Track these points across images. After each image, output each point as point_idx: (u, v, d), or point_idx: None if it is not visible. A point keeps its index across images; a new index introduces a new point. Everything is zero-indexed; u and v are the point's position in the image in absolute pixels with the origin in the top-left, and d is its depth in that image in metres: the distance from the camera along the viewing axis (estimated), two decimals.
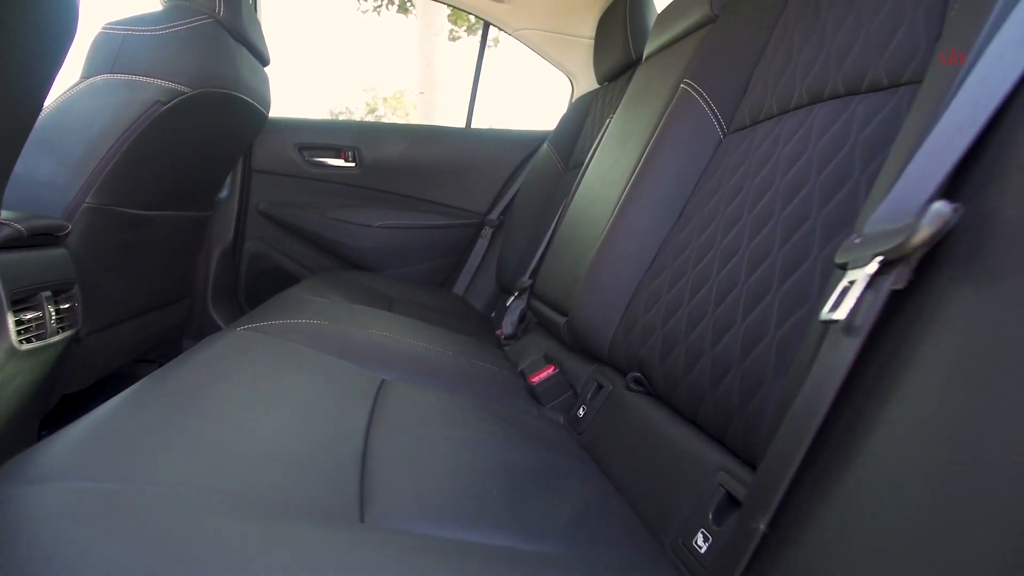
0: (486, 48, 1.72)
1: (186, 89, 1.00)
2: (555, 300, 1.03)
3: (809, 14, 0.72)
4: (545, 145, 1.63)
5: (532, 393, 0.88)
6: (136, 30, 0.97)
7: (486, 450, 0.61)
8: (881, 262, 0.32)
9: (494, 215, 1.72)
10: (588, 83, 1.65)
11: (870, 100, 0.57)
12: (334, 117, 11.76)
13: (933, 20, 0.52)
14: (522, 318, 1.17)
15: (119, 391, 0.53)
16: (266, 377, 0.64)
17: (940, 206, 0.29)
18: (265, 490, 0.42)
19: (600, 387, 0.82)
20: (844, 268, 0.36)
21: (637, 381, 0.75)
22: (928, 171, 0.33)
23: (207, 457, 0.44)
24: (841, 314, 0.32)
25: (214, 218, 1.56)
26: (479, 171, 1.75)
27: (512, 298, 1.22)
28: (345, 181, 1.69)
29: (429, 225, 1.71)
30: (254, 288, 1.67)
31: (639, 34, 1.30)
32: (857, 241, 0.36)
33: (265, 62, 1.32)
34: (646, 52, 1.17)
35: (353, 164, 1.69)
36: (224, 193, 1.58)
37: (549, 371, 0.89)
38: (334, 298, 1.18)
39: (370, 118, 11.69)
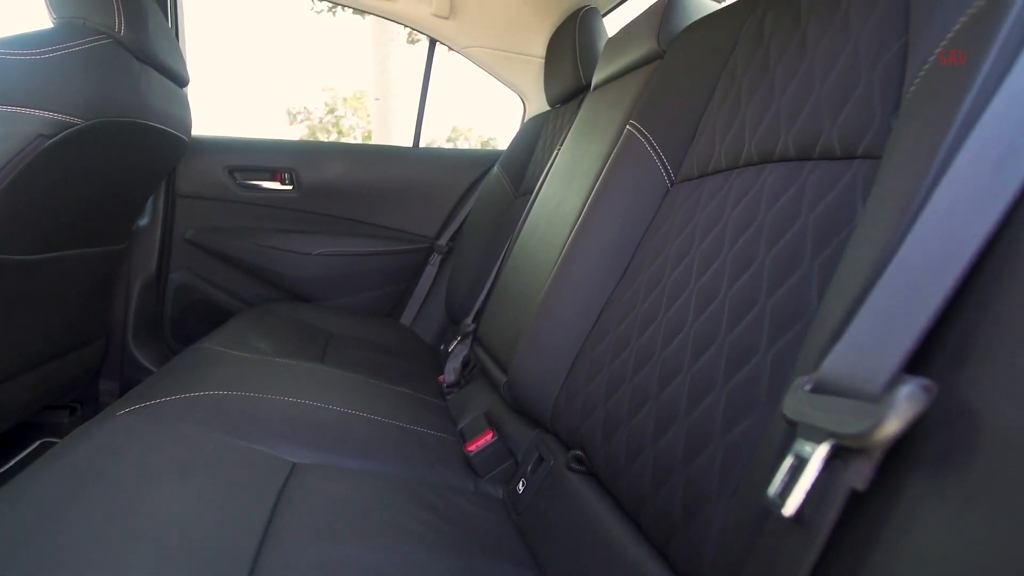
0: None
1: (76, 120, 0.88)
2: (496, 353, 0.96)
3: (758, 62, 0.66)
4: (496, 168, 1.56)
5: (469, 463, 0.80)
6: (12, 53, 0.84)
7: (402, 571, 0.53)
8: (835, 446, 0.25)
9: (443, 240, 1.63)
10: (540, 103, 1.59)
11: (823, 169, 0.52)
12: (291, 116, 11.37)
13: (890, 88, 0.47)
14: (465, 364, 1.10)
15: (28, 440, 0.44)
16: (139, 485, 0.55)
17: (912, 390, 0.23)
18: None
19: (541, 459, 0.75)
20: (792, 425, 0.30)
21: (578, 460, 0.68)
22: (894, 318, 0.26)
23: None
24: (790, 507, 0.26)
25: (133, 248, 1.42)
26: (427, 194, 1.66)
27: (455, 343, 1.14)
28: (282, 205, 1.57)
29: (374, 252, 1.61)
30: (181, 322, 1.54)
31: (588, 59, 1.23)
32: (807, 388, 0.30)
33: (182, 82, 1.20)
34: (595, 80, 1.11)
35: (290, 187, 1.57)
36: (144, 220, 1.44)
37: (488, 438, 0.82)
38: (259, 344, 1.07)
39: (329, 118, 11.37)
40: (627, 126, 0.83)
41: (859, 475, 0.24)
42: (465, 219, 1.62)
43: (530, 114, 1.67)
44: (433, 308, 1.62)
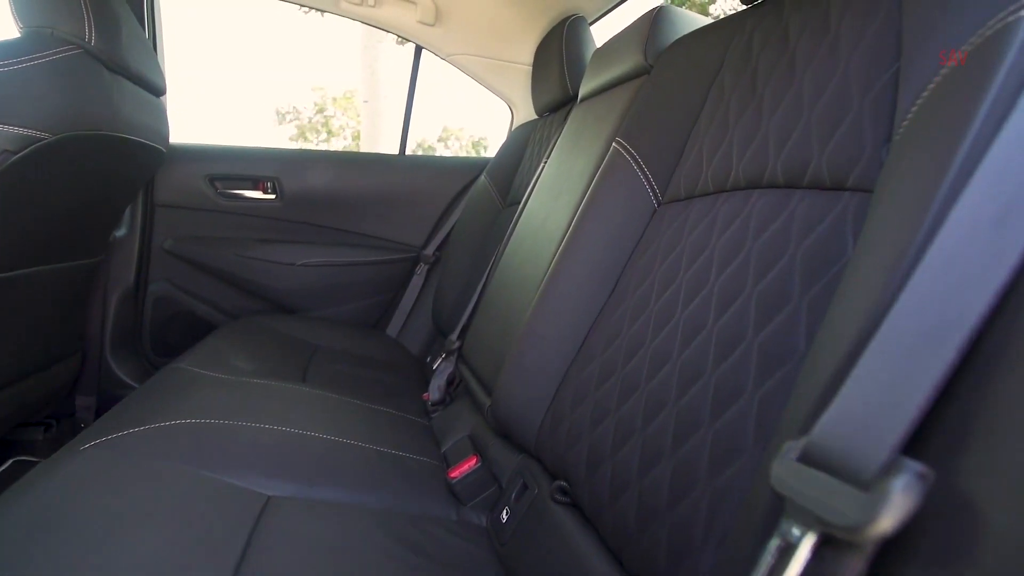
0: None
1: (44, 135, 0.85)
2: (481, 373, 0.94)
3: (746, 81, 0.64)
4: (483, 177, 1.53)
5: (452, 490, 0.78)
6: None
7: None
8: (824, 534, 0.23)
9: (430, 250, 1.61)
10: (528, 111, 1.57)
11: (811, 199, 0.50)
12: (280, 116, 11.25)
13: (881, 118, 0.45)
14: (450, 382, 1.07)
15: (1, 459, 0.41)
16: (102, 529, 0.52)
17: (908, 481, 0.21)
18: None
19: (525, 487, 0.73)
20: (779, 498, 0.28)
21: (563, 491, 0.66)
22: (889, 390, 0.25)
23: None
24: None
25: (110, 260, 1.39)
26: (413, 202, 1.63)
27: (439, 360, 1.12)
28: (264, 214, 1.54)
29: (359, 262, 1.58)
30: (161, 335, 1.50)
31: (575, 69, 1.22)
32: (795, 456, 0.28)
33: (158, 92, 1.16)
34: (581, 92, 1.09)
35: (273, 196, 1.54)
36: (122, 231, 1.41)
37: (471, 463, 0.79)
38: (238, 362, 1.04)
39: (319, 118, 11.26)
40: (613, 143, 0.81)
41: (851, 571, 0.22)
42: (452, 228, 1.60)
43: (518, 122, 1.65)
44: (420, 319, 1.60)
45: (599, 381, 0.66)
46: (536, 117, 1.49)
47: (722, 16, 0.76)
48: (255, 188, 1.53)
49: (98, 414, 1.40)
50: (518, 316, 0.87)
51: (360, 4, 1.34)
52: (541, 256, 0.89)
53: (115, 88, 0.99)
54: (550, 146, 1.22)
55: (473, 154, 11.40)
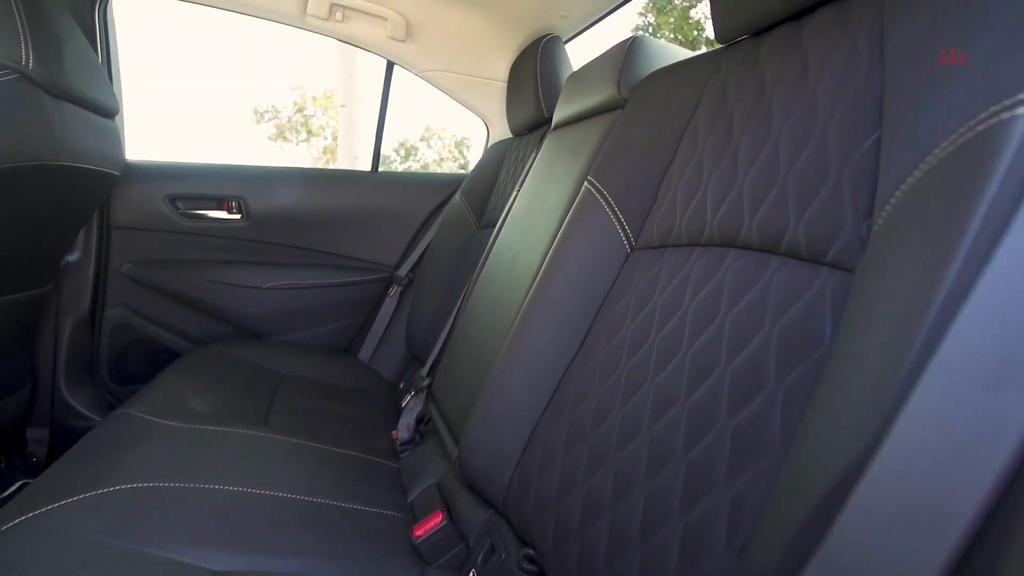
0: None
1: None
2: (449, 418, 0.90)
3: (721, 129, 0.61)
4: (458, 196, 1.49)
5: (417, 550, 0.74)
6: None
7: None
8: None
9: (403, 271, 1.56)
10: (504, 128, 1.53)
11: (788, 270, 0.47)
12: (258, 115, 11.02)
13: (862, 191, 0.42)
14: (420, 420, 1.03)
15: None
16: None
17: None
18: None
19: (493, 549, 0.70)
20: None
21: (530, 559, 0.62)
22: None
23: None
24: None
25: (62, 286, 1.31)
26: (386, 221, 1.58)
27: (409, 397, 1.08)
28: (229, 235, 1.48)
29: (329, 283, 1.53)
30: (120, 363, 1.43)
31: (550, 92, 1.18)
32: None
33: (109, 113, 1.10)
34: (556, 117, 1.06)
35: (239, 216, 1.48)
36: (75, 255, 1.33)
37: (437, 521, 0.75)
38: (195, 403, 0.99)
39: (298, 117, 11.07)
40: (585, 182, 0.77)
41: None
42: (426, 249, 1.55)
43: (494, 139, 1.61)
44: (393, 342, 1.55)
45: (568, 443, 0.62)
46: (511, 137, 1.45)
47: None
48: (219, 208, 1.46)
49: (51, 447, 1.33)
50: (488, 358, 0.83)
51: (327, 19, 1.28)
52: (512, 296, 0.85)
53: (57, 114, 0.92)
54: (525, 169, 1.18)
55: (456, 153, 11.32)
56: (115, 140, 1.13)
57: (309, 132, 10.87)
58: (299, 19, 1.30)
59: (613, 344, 0.64)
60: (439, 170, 10.83)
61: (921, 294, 0.28)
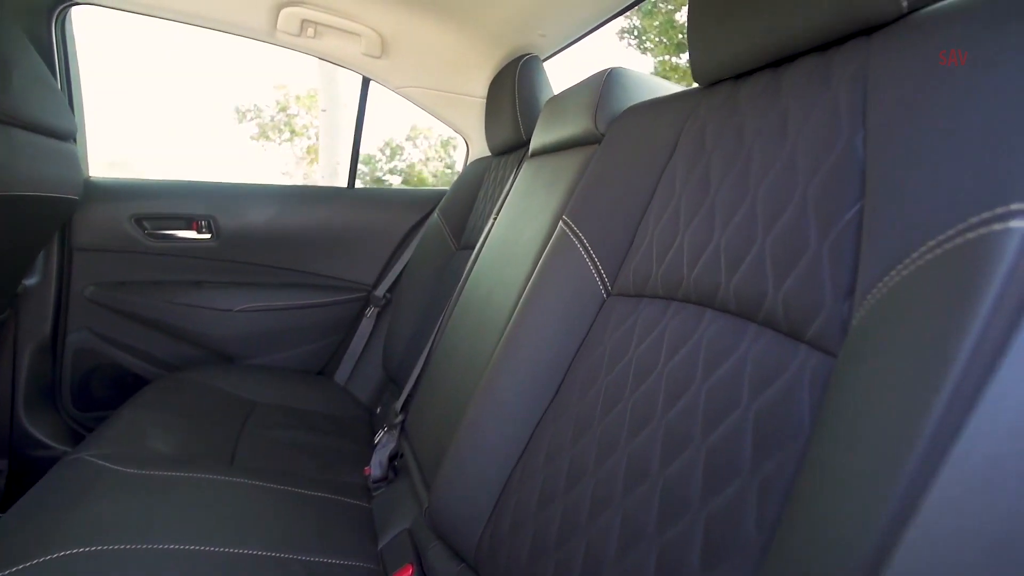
0: None
1: None
2: (422, 459, 0.87)
3: (698, 177, 0.59)
4: (436, 215, 1.46)
5: None
6: None
7: None
8: None
9: (380, 291, 1.52)
10: (483, 146, 1.49)
11: (766, 341, 0.45)
12: (240, 115, 10.82)
13: (842, 267, 0.40)
14: (393, 456, 1.00)
15: None
16: None
17: None
18: None
19: None
20: None
21: None
22: None
23: None
24: None
25: (21, 310, 1.26)
26: (363, 239, 1.55)
27: (382, 432, 1.04)
28: (199, 255, 1.43)
29: (304, 304, 1.49)
30: (84, 388, 1.38)
31: (528, 115, 1.15)
32: None
33: (65, 135, 1.05)
34: (533, 144, 1.03)
35: (208, 235, 1.43)
36: (33, 279, 1.28)
37: (407, 575, 0.72)
38: (157, 443, 0.94)
39: (281, 116, 10.90)
40: (561, 222, 0.75)
41: None
42: (404, 269, 1.51)
43: (474, 155, 1.58)
44: (370, 364, 1.51)
45: (540, 503, 0.60)
46: (490, 155, 1.42)
47: None
48: (188, 227, 1.41)
49: (11, 477, 1.28)
50: (462, 400, 0.80)
51: (299, 35, 1.24)
52: (485, 336, 0.82)
53: (4, 142, 0.87)
54: (504, 191, 1.15)
55: (442, 152, 11.23)
56: (73, 163, 1.08)
57: (292, 132, 10.71)
58: (269, 35, 1.25)
59: (588, 397, 0.62)
60: (425, 169, 10.74)
61: (916, 402, 0.26)
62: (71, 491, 0.76)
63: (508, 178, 1.20)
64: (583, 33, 1.21)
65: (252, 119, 10.66)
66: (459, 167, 1.64)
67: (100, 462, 0.84)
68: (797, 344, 0.42)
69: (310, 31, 1.23)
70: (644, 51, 7.47)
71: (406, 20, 1.21)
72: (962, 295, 0.26)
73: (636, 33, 7.45)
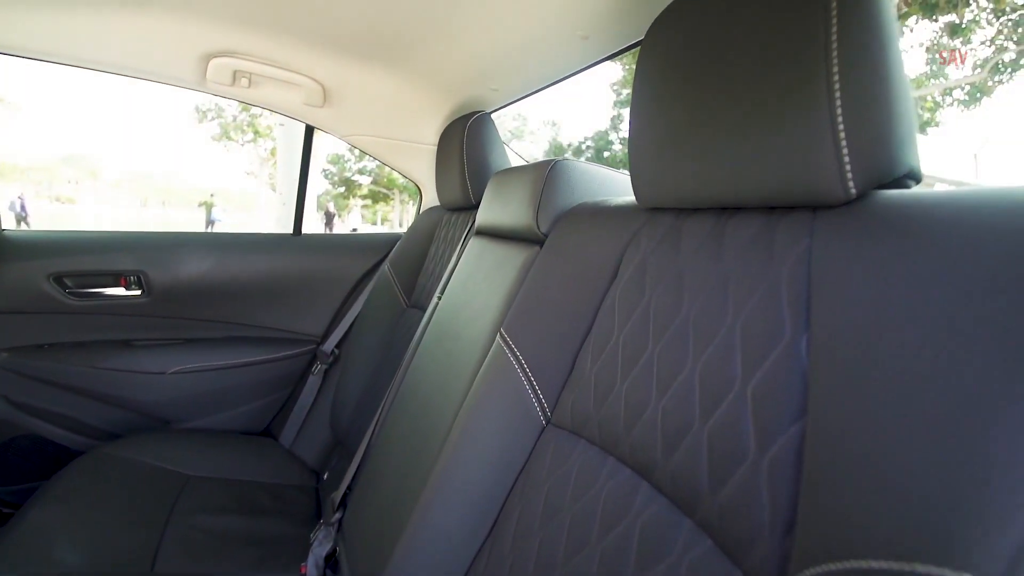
0: None
1: None
2: (361, 567, 0.81)
3: (638, 320, 0.54)
4: (386, 267, 1.39)
5: None
6: None
7: None
8: None
9: (328, 346, 1.45)
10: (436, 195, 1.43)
11: (701, 552, 0.40)
12: (200, 114, 10.41)
13: (780, 496, 0.36)
14: (329, 555, 0.93)
15: None
16: None
17: None
18: None
19: None
20: None
21: None
22: None
23: None
24: None
25: None
26: (310, 288, 1.47)
27: (319, 527, 0.97)
28: (127, 312, 1.33)
29: (246, 362, 1.40)
30: (2, 463, 1.26)
31: (477, 179, 1.09)
32: None
33: None
34: (479, 218, 0.97)
35: (139, 292, 1.33)
36: None
37: None
38: (65, 551, 0.86)
39: (244, 116, 10.50)
40: (498, 336, 0.69)
41: None
42: (354, 322, 1.44)
43: (427, 202, 1.51)
44: (317, 424, 1.43)
45: None
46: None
47: None
48: (115, 284, 1.31)
49: None
50: (400, 509, 0.74)
51: (232, 85, 1.15)
52: (424, 447, 0.77)
53: None
54: (454, 258, 1.09)
55: None
56: None
57: (256, 132, 10.34)
58: (199, 84, 1.16)
59: (524, 546, 0.57)
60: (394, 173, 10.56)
61: None
62: None
63: (459, 240, 1.14)
64: (537, 89, 1.15)
65: (213, 119, 10.27)
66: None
67: None
68: (735, 572, 0.37)
69: (244, 81, 1.15)
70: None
71: (347, 70, 1.14)
72: None
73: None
